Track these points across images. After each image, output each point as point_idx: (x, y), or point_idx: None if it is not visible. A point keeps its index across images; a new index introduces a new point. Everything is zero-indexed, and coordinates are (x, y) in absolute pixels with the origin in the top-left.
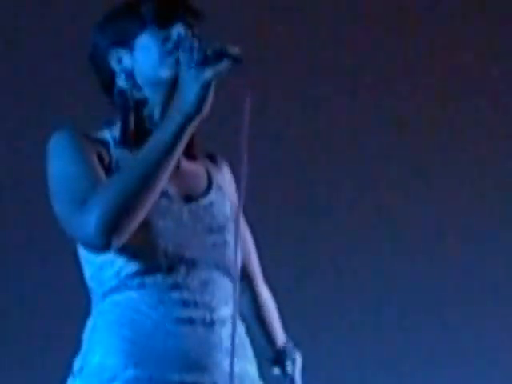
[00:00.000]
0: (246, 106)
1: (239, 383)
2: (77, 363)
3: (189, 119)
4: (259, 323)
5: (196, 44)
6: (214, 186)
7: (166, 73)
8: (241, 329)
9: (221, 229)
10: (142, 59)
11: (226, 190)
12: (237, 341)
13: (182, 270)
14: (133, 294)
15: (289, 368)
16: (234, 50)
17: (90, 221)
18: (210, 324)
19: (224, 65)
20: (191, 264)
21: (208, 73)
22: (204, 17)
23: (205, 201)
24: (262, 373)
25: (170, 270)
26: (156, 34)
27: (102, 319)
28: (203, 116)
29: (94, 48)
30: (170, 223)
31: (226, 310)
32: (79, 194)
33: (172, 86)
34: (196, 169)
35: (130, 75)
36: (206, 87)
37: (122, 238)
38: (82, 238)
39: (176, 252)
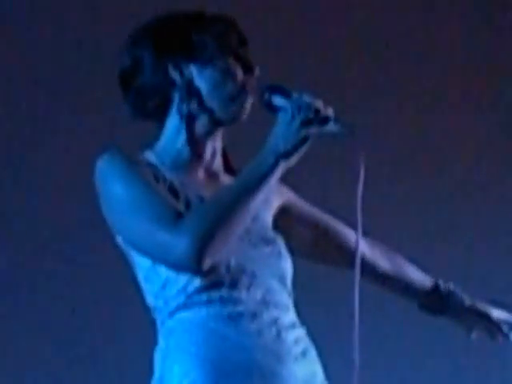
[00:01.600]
0: (361, 170)
1: None
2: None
3: (279, 163)
4: (398, 273)
5: (308, 99)
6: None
7: (235, 107)
8: (303, 332)
9: (272, 240)
10: (216, 83)
11: (269, 201)
12: (303, 344)
13: (245, 282)
14: (201, 311)
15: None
16: (350, 124)
17: (185, 242)
18: (277, 333)
19: (330, 128)
20: (252, 276)
21: (312, 130)
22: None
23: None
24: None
25: (234, 283)
26: (233, 63)
27: (174, 339)
28: (291, 165)
29: (140, 56)
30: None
31: (288, 317)
32: (165, 213)
33: (232, 120)
34: (226, 180)
35: (198, 93)
36: (305, 141)
37: (211, 263)
38: (172, 257)
39: (237, 265)
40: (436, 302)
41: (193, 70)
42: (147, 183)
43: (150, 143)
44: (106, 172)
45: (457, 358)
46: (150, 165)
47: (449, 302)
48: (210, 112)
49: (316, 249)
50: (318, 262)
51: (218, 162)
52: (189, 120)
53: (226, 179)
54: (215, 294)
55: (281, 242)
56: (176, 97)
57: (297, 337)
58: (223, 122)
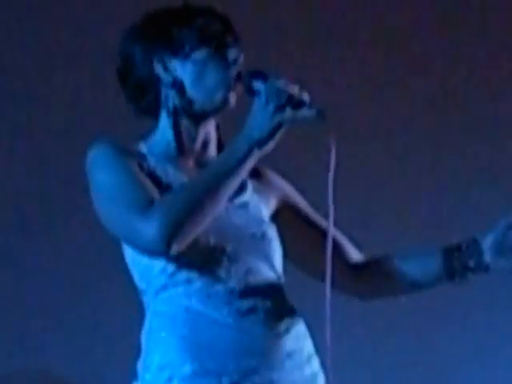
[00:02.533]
0: (332, 154)
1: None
2: (139, 367)
3: (253, 151)
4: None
5: (282, 84)
6: (249, 190)
7: (219, 96)
8: (289, 310)
9: (259, 223)
10: (197, 75)
11: (265, 194)
12: (287, 321)
13: (225, 262)
14: (181, 291)
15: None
16: (319, 106)
17: (153, 227)
18: (258, 311)
19: (304, 113)
20: (233, 256)
21: (287, 115)
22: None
23: (238, 201)
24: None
25: (214, 263)
26: (213, 54)
27: (156, 320)
28: (266, 152)
29: (129, 54)
30: (219, 223)
31: (270, 303)
32: (138, 200)
33: (218, 109)
34: None
35: (181, 87)
36: (279, 127)
37: (181, 247)
38: (141, 242)
39: (218, 245)
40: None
41: (176, 64)
42: (128, 172)
43: (145, 135)
44: (94, 161)
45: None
46: (139, 154)
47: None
48: (194, 104)
49: (306, 257)
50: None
51: (211, 153)
52: (175, 113)
53: None
54: (195, 274)
55: (270, 226)
56: (162, 91)
57: (280, 314)
58: (209, 113)
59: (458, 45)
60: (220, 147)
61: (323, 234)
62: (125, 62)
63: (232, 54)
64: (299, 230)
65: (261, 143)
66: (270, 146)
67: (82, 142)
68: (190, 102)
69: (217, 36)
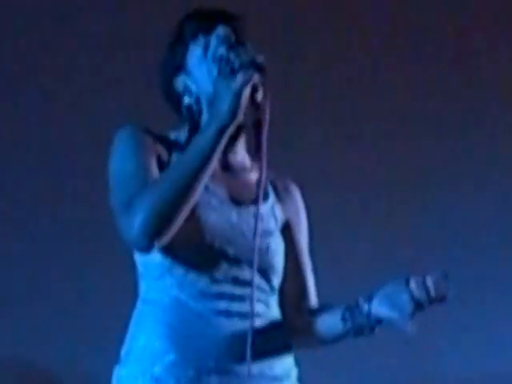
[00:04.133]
0: (266, 109)
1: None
2: (123, 351)
3: (223, 127)
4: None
5: (227, 52)
6: (270, 202)
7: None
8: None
9: (267, 234)
10: (197, 78)
11: (282, 208)
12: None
13: (224, 265)
14: (175, 282)
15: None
16: (258, 60)
17: (134, 223)
18: (246, 317)
19: (250, 74)
20: (234, 261)
21: (237, 82)
22: (243, 20)
23: (254, 209)
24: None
25: (213, 264)
26: (198, 46)
27: (146, 307)
28: (237, 122)
29: (160, 74)
30: (218, 220)
31: (260, 308)
32: (128, 195)
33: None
34: (250, 178)
35: (192, 94)
36: (237, 96)
37: (164, 240)
38: (126, 238)
39: (221, 248)
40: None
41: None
42: (139, 164)
43: (180, 125)
44: (113, 147)
45: None
46: (167, 142)
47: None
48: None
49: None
50: None
51: (237, 156)
52: (191, 112)
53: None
54: (193, 271)
55: (277, 240)
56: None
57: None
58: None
59: None
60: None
61: (299, 272)
62: (160, 77)
63: (215, 35)
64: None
65: (227, 118)
66: (238, 117)
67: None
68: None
69: (195, 30)
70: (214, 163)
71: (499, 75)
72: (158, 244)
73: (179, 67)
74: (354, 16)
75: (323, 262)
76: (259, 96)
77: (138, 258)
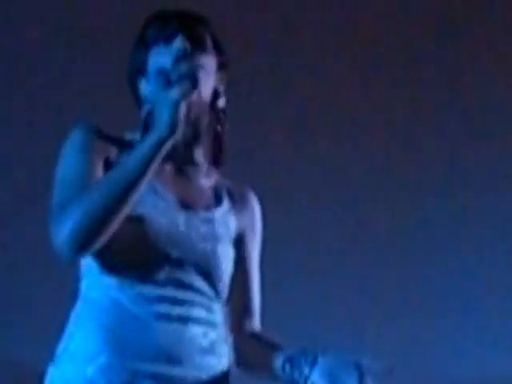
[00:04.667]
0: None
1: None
2: (58, 349)
3: (161, 140)
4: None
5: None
6: (223, 209)
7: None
8: (217, 332)
9: (215, 239)
10: (153, 82)
11: (237, 216)
12: (212, 338)
13: (167, 268)
14: (115, 283)
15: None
16: (196, 73)
17: (62, 232)
18: (186, 321)
19: (187, 87)
20: (177, 264)
21: (173, 94)
22: (208, 23)
23: (205, 215)
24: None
25: (155, 266)
26: (159, 54)
27: (85, 306)
28: (177, 134)
29: (127, 76)
30: (164, 223)
31: (202, 313)
32: (62, 199)
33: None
34: (204, 185)
35: (147, 99)
36: (174, 108)
37: (90, 251)
38: (53, 244)
39: (164, 250)
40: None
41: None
42: (81, 169)
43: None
44: (63, 147)
45: None
46: (122, 143)
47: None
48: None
49: None
50: None
51: (194, 161)
52: (148, 118)
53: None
54: (133, 272)
55: (226, 246)
56: None
57: (206, 332)
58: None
59: None
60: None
61: (247, 285)
62: (128, 77)
63: (176, 45)
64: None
65: (166, 131)
66: (178, 131)
67: None
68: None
69: (155, 37)
70: (151, 175)
71: None
72: (83, 255)
73: (140, 71)
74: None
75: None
76: (220, 103)
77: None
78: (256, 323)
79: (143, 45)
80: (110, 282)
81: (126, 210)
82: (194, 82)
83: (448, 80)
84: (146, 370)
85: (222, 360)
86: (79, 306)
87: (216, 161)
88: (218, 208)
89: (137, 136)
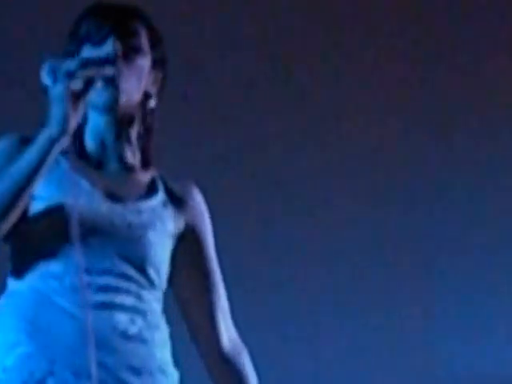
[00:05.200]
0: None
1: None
2: None
3: (52, 139)
4: None
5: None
6: (156, 201)
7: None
8: (148, 320)
9: (144, 228)
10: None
11: (178, 210)
12: (140, 325)
13: (89, 254)
14: (37, 275)
15: None
16: (71, 68)
17: None
18: (110, 308)
19: (65, 83)
20: (98, 250)
21: (55, 91)
22: (145, 18)
23: (133, 206)
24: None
25: (74, 254)
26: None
27: (8, 298)
28: (68, 131)
29: None
30: (85, 211)
31: (128, 300)
32: None
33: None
34: (139, 180)
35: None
36: (58, 105)
37: None
38: None
39: (84, 236)
40: None
41: None
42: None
43: None
44: None
45: None
46: None
47: None
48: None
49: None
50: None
51: (123, 156)
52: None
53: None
54: (53, 258)
55: (159, 233)
56: None
57: (133, 318)
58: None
59: None
60: (143, 152)
61: (207, 283)
62: None
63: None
64: (189, 265)
65: (56, 128)
66: (73, 122)
67: None
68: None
69: (88, 34)
70: (43, 173)
71: None
72: None
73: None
74: None
75: None
76: (151, 103)
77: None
78: (229, 326)
79: (76, 40)
80: (31, 272)
81: (21, 206)
82: (69, 75)
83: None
84: (66, 359)
85: (154, 350)
86: (3, 299)
87: (143, 161)
88: (150, 199)
89: None
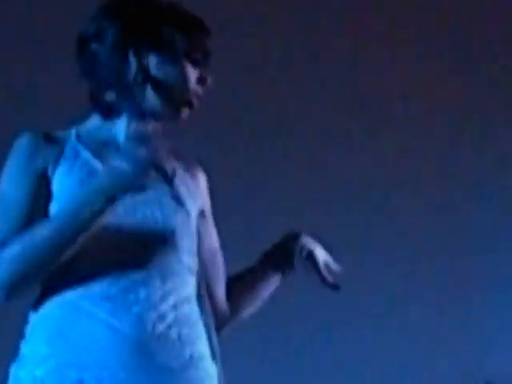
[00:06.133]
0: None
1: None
2: (20, 350)
3: (109, 203)
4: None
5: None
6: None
7: (176, 104)
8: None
9: (170, 216)
10: (167, 80)
11: (193, 193)
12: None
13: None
14: (76, 285)
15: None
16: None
17: None
18: (141, 311)
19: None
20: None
21: (147, 157)
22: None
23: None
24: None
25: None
26: (189, 68)
27: (41, 310)
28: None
29: (105, 31)
30: (129, 219)
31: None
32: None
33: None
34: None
35: (148, 72)
36: (144, 169)
37: (18, 296)
38: None
39: (126, 243)
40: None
41: (151, 61)
42: (20, 192)
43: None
44: (10, 155)
45: None
46: (63, 141)
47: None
48: (149, 104)
49: None
50: None
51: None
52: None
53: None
54: (88, 274)
55: (179, 227)
56: (127, 79)
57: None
58: (156, 117)
59: None
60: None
61: (210, 255)
62: (97, 33)
63: (204, 71)
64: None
65: (116, 197)
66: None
67: None
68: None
69: (200, 51)
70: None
71: None
72: (10, 299)
73: (154, 43)
74: None
75: None
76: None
77: None
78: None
79: (177, 27)
80: (68, 284)
81: (66, 255)
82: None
83: None
84: (96, 368)
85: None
86: (36, 311)
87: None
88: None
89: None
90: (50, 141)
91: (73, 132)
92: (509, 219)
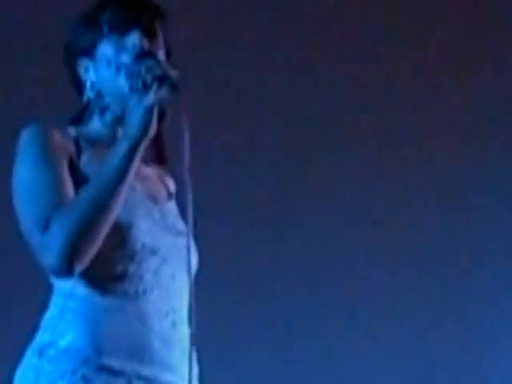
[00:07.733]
0: (185, 126)
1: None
2: (42, 342)
3: (135, 144)
4: None
5: (143, 66)
6: (173, 197)
7: (122, 84)
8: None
9: (183, 233)
10: (102, 70)
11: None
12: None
13: (153, 265)
14: (108, 283)
15: None
16: (172, 76)
17: (53, 246)
18: (174, 323)
19: (164, 91)
20: (162, 261)
21: (149, 98)
22: (166, 17)
23: (167, 206)
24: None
25: (141, 263)
26: (113, 43)
27: (74, 301)
28: (149, 139)
29: (65, 53)
30: (143, 219)
31: (185, 311)
32: (43, 212)
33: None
34: (157, 175)
35: (94, 85)
36: (149, 112)
37: (84, 264)
38: (43, 261)
39: (149, 247)
40: None
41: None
42: (51, 173)
43: (74, 119)
44: (20, 150)
45: None
46: (73, 139)
47: None
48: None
49: None
50: None
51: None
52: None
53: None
54: (122, 272)
55: (191, 237)
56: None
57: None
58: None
59: None
60: (158, 147)
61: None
62: (65, 57)
63: (131, 39)
64: None
65: (139, 135)
66: (150, 133)
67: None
68: (102, 97)
69: (112, 23)
70: (131, 177)
71: None
72: (78, 269)
73: (86, 51)
74: None
75: None
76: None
77: None
78: None
79: (95, 27)
80: (103, 280)
81: (114, 216)
82: (172, 86)
83: None
84: (141, 372)
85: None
86: (64, 301)
87: (160, 159)
88: (172, 200)
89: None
90: (62, 135)
91: (73, 130)
92: (508, 232)
